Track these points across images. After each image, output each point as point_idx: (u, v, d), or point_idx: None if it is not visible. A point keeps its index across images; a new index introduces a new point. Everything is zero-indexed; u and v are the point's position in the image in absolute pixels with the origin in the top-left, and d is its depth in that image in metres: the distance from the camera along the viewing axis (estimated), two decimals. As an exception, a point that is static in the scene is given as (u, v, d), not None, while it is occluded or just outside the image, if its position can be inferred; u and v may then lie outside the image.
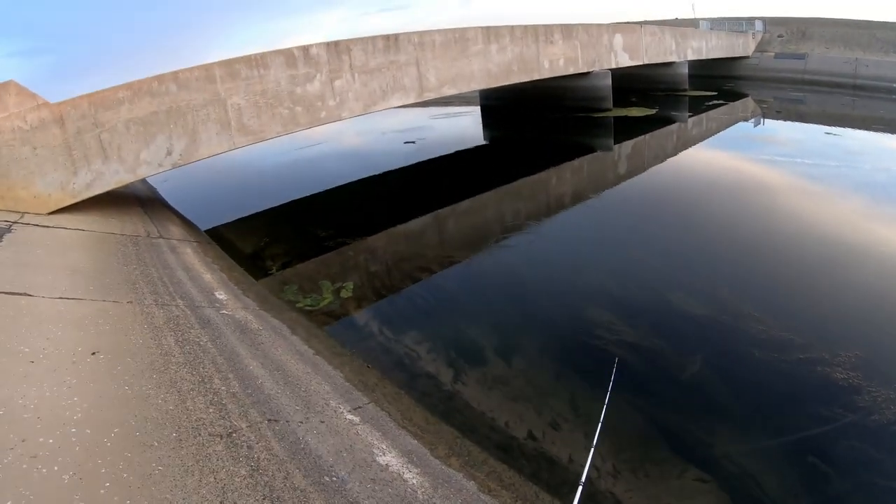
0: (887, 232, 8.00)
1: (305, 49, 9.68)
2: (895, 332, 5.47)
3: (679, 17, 37.22)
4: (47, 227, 6.95)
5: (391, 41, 11.14)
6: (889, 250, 7.31)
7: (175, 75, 8.21)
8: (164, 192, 12.24)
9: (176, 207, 10.68)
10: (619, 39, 18.72)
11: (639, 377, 4.99)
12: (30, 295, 4.66)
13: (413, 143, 17.59)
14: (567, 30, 16.38)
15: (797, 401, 4.53)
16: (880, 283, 6.44)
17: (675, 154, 14.24)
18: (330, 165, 15.25)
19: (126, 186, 8.56)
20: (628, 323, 5.84)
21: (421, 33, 11.83)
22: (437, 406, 4.57)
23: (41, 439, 2.80)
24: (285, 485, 2.76)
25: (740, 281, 6.70)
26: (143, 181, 9.92)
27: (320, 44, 9.91)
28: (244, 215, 10.70)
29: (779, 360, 5.00)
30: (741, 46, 27.68)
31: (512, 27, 14.48)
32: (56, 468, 2.61)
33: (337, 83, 10.28)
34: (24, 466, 2.58)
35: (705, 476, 3.83)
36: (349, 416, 3.66)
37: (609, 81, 18.40)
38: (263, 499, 2.62)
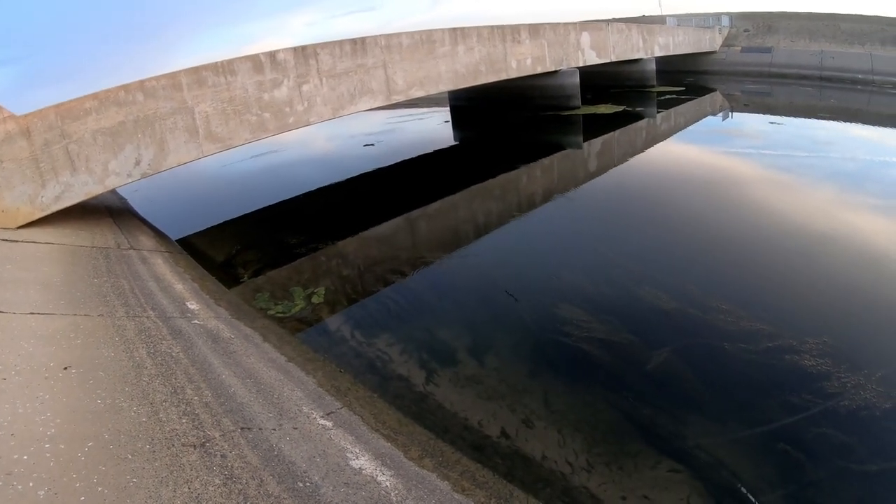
0: (854, 221, 8.24)
1: (272, 55, 9.65)
2: (862, 320, 5.66)
3: (646, 14, 37.83)
4: (16, 241, 6.85)
5: (358, 45, 11.14)
6: (855, 239, 7.55)
7: (142, 84, 8.13)
8: (134, 202, 12.09)
9: (146, 218, 10.56)
10: (586, 37, 18.92)
11: (610, 372, 5.10)
12: (1, 311, 4.62)
13: (372, 145, 17.57)
14: (534, 29, 16.52)
15: (768, 389, 4.66)
16: (847, 272, 6.66)
17: (644, 150, 14.45)
18: (298, 171, 15.16)
19: (96, 198, 8.45)
20: (599, 318, 5.95)
21: (388, 36, 11.86)
22: (410, 408, 4.61)
23: (15, 456, 2.80)
24: (259, 492, 2.79)
25: (709, 273, 6.87)
26: (114, 192, 9.80)
27: (287, 49, 9.89)
28: (214, 224, 10.62)
29: (748, 350, 5.14)
30: (708, 41, 28.16)
31: (479, 28, 14.57)
32: (31, 484, 2.62)
33: (305, 88, 10.26)
34: (0, 483, 2.59)
35: (679, 467, 3.92)
36: (322, 422, 3.70)
37: (577, 80, 18.58)
38: (238, 507, 2.66)
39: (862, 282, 6.39)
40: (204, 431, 3.27)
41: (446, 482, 3.26)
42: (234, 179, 15.22)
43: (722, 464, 3.94)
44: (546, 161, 14.16)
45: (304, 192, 12.63)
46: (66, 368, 3.82)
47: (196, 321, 5.28)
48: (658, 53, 23.69)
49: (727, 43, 29.49)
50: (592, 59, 19.33)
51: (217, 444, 3.16)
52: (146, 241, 8.34)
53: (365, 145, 17.73)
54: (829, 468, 3.84)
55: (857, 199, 9.25)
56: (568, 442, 4.23)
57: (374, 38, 11.54)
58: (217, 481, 2.83)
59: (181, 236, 9.67)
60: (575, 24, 18.73)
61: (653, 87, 23.42)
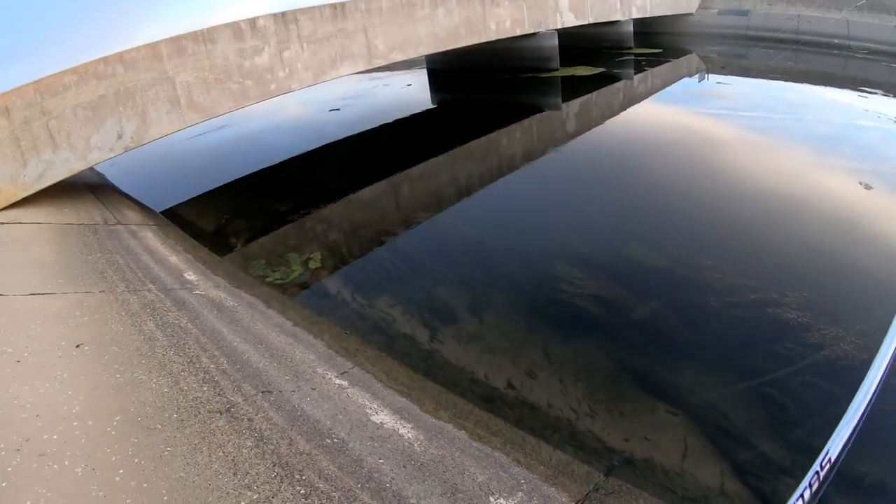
0: (827, 182, 8.47)
1: (252, 21, 9.45)
2: (837, 275, 5.90)
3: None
4: (3, 223, 6.75)
5: (338, 9, 10.95)
6: (829, 199, 7.79)
7: (121, 56, 7.93)
8: (112, 177, 11.87)
9: (128, 192, 10.41)
10: (564, -1, 18.79)
11: (603, 324, 5.29)
12: (1, 294, 4.61)
13: (338, 110, 17.37)
14: (513, -10, 16.34)
15: (753, 339, 4.88)
16: (821, 230, 6.91)
17: (622, 111, 14.51)
18: (275, 139, 14.91)
19: (75, 176, 8.30)
20: (589, 274, 6.12)
21: (368, 0, 11.66)
22: (419, 364, 4.75)
23: (45, 436, 2.85)
24: (291, 451, 2.90)
25: (692, 231, 7.05)
26: (91, 169, 9.60)
27: (267, 15, 9.68)
28: (197, 194, 10.51)
29: (734, 303, 5.34)
30: (685, 3, 27.96)
31: (458, -10, 14.37)
32: (67, 463, 2.67)
33: (286, 54, 10.10)
34: (35, 465, 2.64)
35: (675, 410, 4.15)
36: (337, 381, 3.81)
37: (556, 42, 18.46)
38: (274, 465, 2.76)
39: (835, 239, 6.66)
40: (227, 397, 3.36)
41: (463, 431, 3.40)
42: (208, 150, 14.94)
43: (713, 406, 4.16)
44: (525, 123, 14.19)
45: (283, 159, 12.50)
46: (78, 346, 3.85)
47: (197, 291, 5.31)
48: (636, 15, 23.53)
49: (704, 5, 29.30)
50: (571, 21, 19.19)
51: (242, 409, 3.25)
52: (132, 215, 8.26)
53: (330, 110, 17.58)
54: (811, 412, 4.06)
55: (831, 161, 9.46)
56: (570, 391, 4.41)
57: (355, 2, 11.33)
58: (249, 443, 2.92)
59: (165, 208, 9.57)
60: (553, -16, 18.51)
61: (630, 49, 23.33)
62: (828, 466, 1.34)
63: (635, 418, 4.11)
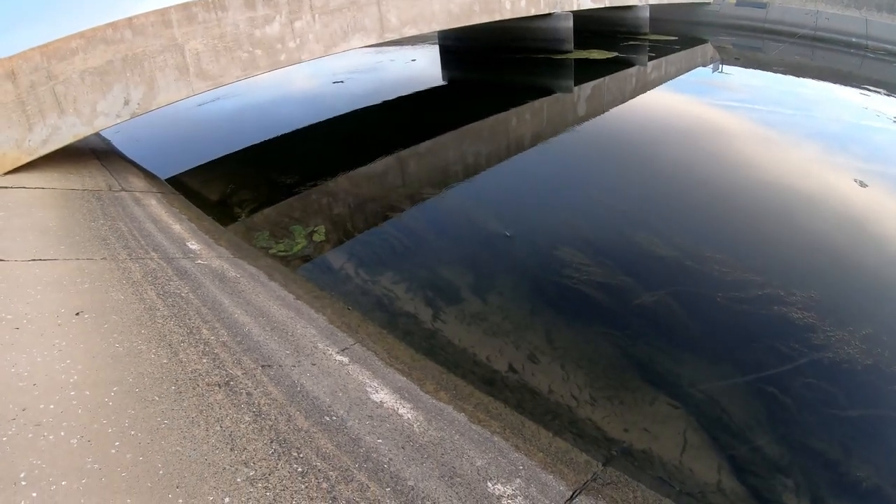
0: (836, 181, 8.37)
1: (264, -10, 9.31)
2: (846, 274, 5.85)
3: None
4: (7, 187, 6.69)
5: (352, -19, 10.78)
6: (837, 199, 7.70)
7: (130, 21, 7.80)
8: (118, 143, 11.79)
9: (133, 159, 10.33)
10: (581, -20, 18.50)
11: (607, 312, 5.24)
12: (2, 260, 4.57)
13: (342, 82, 17.23)
14: (529, -31, 16.08)
15: (757, 336, 4.84)
16: (827, 229, 6.86)
17: (634, 97, 14.36)
18: (282, 110, 14.78)
19: (81, 141, 8.22)
20: (595, 260, 6.08)
21: (382, -27, 11.47)
22: (421, 344, 4.72)
23: (42, 406, 2.82)
24: (289, 427, 2.87)
25: (700, 222, 6.99)
26: (97, 134, 9.52)
27: (279, -16, 9.54)
28: (202, 163, 10.43)
29: (740, 298, 5.29)
30: (703, -9, 27.61)
31: (473, -35, 14.14)
32: (63, 433, 2.65)
33: (297, 25, 9.95)
34: (30, 436, 2.61)
35: (675, 403, 4.13)
36: (338, 357, 3.78)
37: (570, 23, 18.20)
38: (271, 442, 2.74)
39: (842, 240, 6.60)
40: (226, 370, 3.33)
41: (463, 414, 3.37)
42: (214, 118, 14.80)
43: (714, 401, 4.14)
44: (536, 104, 14.04)
45: (290, 130, 12.41)
46: (78, 314, 3.82)
47: (200, 261, 5.27)
48: (652, 1, 23.21)
49: (722, -5, 28.90)
50: (587, 3, 18.91)
51: (241, 383, 3.22)
52: (137, 182, 8.20)
53: (334, 82, 17.46)
54: (812, 411, 4.05)
55: (840, 160, 9.37)
56: (571, 377, 4.39)
57: (368, -26, 11.15)
58: (247, 418, 2.89)
59: (170, 176, 9.50)
60: (571, -35, 18.23)
61: (646, 34, 23.02)
62: None
63: (635, 408, 4.09)
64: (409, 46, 23.32)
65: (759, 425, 3.94)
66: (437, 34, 20.27)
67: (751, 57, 20.99)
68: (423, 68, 19.62)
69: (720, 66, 18.39)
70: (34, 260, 4.65)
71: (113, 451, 2.57)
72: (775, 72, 17.51)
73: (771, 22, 25.24)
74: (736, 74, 17.09)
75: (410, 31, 12.62)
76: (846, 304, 5.30)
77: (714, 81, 16.21)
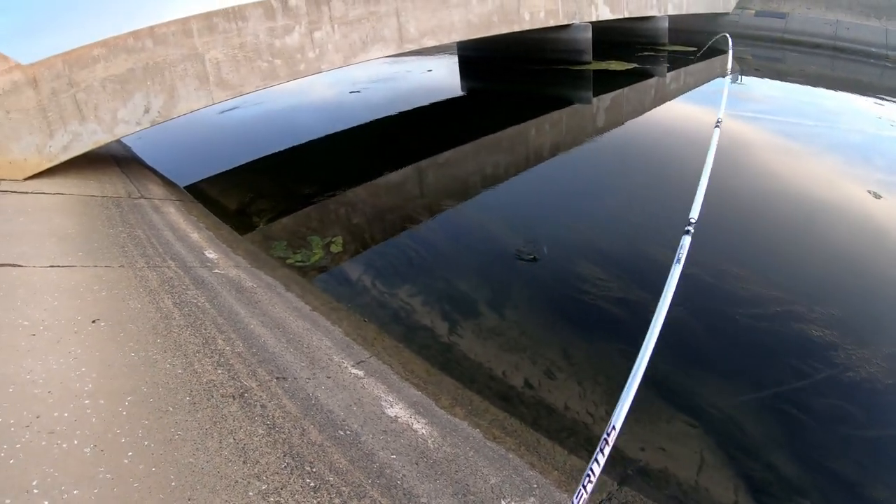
0: (860, 195, 8.21)
1: (284, 0, 9.39)
2: (868, 293, 5.72)
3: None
4: (26, 192, 6.77)
5: (371, -9, 10.86)
6: (861, 211, 7.56)
7: (151, 30, 7.91)
8: (138, 150, 11.93)
9: (153, 166, 10.45)
10: (600, -9, 18.46)
11: (625, 328, 5.16)
12: (20, 265, 4.58)
13: (358, 92, 17.30)
14: (548, -20, 16.09)
15: (776, 354, 4.75)
16: (852, 246, 6.71)
17: (654, 108, 14.29)
18: (300, 119, 14.87)
19: (101, 147, 8.33)
20: (613, 275, 6.00)
21: (401, -17, 11.54)
22: (436, 358, 4.67)
23: (56, 413, 2.81)
24: (302, 441, 2.84)
25: (718, 236, 6.86)
26: (118, 141, 9.65)
27: (300, -6, 9.63)
28: (222, 171, 10.50)
29: (759, 314, 5.20)
30: (722, 2, 27.36)
31: (493, -23, 14.18)
32: (76, 442, 2.63)
33: (316, 35, 10.02)
34: (44, 443, 2.60)
35: (692, 421, 4.05)
36: (353, 371, 3.75)
37: (589, 34, 18.16)
38: (284, 455, 2.71)
39: (866, 257, 6.46)
40: (241, 382, 3.31)
41: (478, 430, 3.32)
42: (233, 126, 14.93)
43: (732, 421, 4.05)
44: (555, 115, 14.02)
45: (308, 139, 12.47)
46: (94, 321, 3.82)
47: (217, 270, 5.29)
48: (672, 12, 23.09)
49: (741, 5, 28.60)
50: (606, 14, 18.86)
51: (255, 395, 3.20)
52: (156, 189, 8.27)
53: (350, 92, 17.50)
54: (832, 431, 3.97)
55: (863, 172, 9.20)
56: (588, 394, 4.32)
57: (388, -16, 11.23)
58: (261, 431, 2.87)
59: (189, 183, 9.58)
60: (589, -24, 18.21)
61: (664, 45, 22.90)
62: (613, 433, 1.70)
63: (652, 426, 4.01)
64: (425, 57, 23.39)
65: (778, 445, 3.85)
66: (454, 45, 20.32)
67: (770, 68, 20.82)
68: (440, 79, 19.68)
69: (739, 76, 18.25)
70: (52, 266, 4.68)
71: (126, 461, 2.56)
72: (795, 82, 17.34)
73: (790, 32, 25.01)
74: (756, 85, 16.95)
75: (430, 42, 12.66)
76: (867, 321, 5.19)
77: (734, 92, 16.08)
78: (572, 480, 3.13)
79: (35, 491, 2.32)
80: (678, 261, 2.55)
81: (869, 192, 8.04)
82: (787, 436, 3.93)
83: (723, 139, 11.01)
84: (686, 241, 2.64)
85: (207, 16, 8.47)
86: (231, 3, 8.85)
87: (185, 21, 8.23)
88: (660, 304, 2.29)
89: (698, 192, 3.05)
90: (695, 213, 2.86)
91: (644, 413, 4.12)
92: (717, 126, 4.45)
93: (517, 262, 6.44)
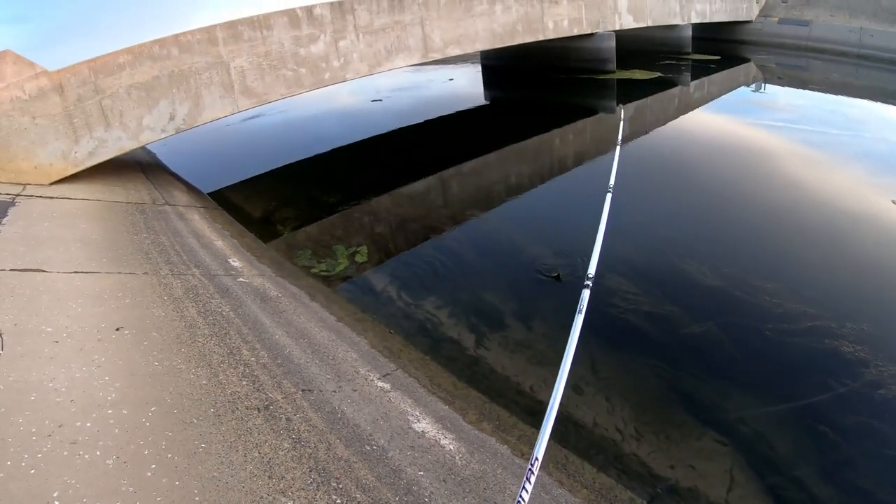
0: (889, 204, 8.00)
1: (309, 9, 9.44)
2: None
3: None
4: (51, 197, 6.83)
5: (396, 1, 10.86)
6: (889, 222, 7.36)
7: (177, 38, 7.99)
8: (163, 156, 12.05)
9: (178, 172, 10.53)
10: (623, 0, 18.35)
11: (653, 343, 5.04)
12: (44, 271, 4.59)
13: (380, 101, 17.40)
14: (572, -11, 16.05)
15: (808, 370, 4.61)
16: (881, 255, 6.54)
17: (677, 117, 14.15)
18: (325, 127, 14.94)
19: (126, 153, 8.40)
20: (642, 289, 5.86)
21: (426, -8, 11.57)
22: (463, 371, 4.59)
23: (78, 423, 2.77)
24: (329, 456, 2.77)
25: (749, 250, 6.73)
26: (143, 147, 9.75)
27: (324, 3, 9.66)
28: (246, 178, 10.56)
29: (790, 330, 5.05)
30: (745, 10, 27.10)
31: (517, -13, 14.18)
32: (98, 453, 2.59)
33: (341, 44, 10.06)
34: (66, 454, 2.55)
35: (722, 439, 3.93)
36: (380, 384, 3.68)
37: (613, 43, 18.08)
38: (310, 471, 2.64)
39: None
40: (266, 394, 3.25)
41: (506, 446, 3.23)
42: (257, 134, 15.05)
43: (762, 438, 3.94)
44: (579, 124, 13.95)
45: (332, 147, 12.49)
46: (118, 329, 3.79)
47: (241, 279, 5.26)
48: (695, 20, 22.91)
49: (764, 13, 28.30)
50: (629, 23, 18.75)
51: (281, 407, 3.14)
52: (180, 196, 8.32)
53: (372, 101, 17.61)
54: (862, 450, 3.84)
55: (892, 182, 8.96)
56: (616, 410, 4.21)
57: (413, -6, 11.26)
58: (286, 445, 2.81)
59: (213, 190, 9.63)
60: (613, -15, 18.13)
61: (688, 54, 22.73)
62: (536, 464, 1.72)
63: (682, 444, 3.91)
64: (447, 66, 23.44)
65: (808, 463, 3.73)
66: (477, 54, 20.35)
67: (794, 76, 20.55)
68: (463, 87, 19.70)
69: (763, 85, 18.03)
70: (76, 272, 4.68)
71: (149, 474, 2.50)
72: (819, 90, 17.08)
73: (814, 40, 24.65)
74: (780, 93, 16.72)
75: (454, 51, 12.67)
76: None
77: (758, 101, 15.88)
78: (601, 498, 3.04)
79: (56, 503, 2.27)
80: (580, 311, 2.64)
81: (894, 202, 7.82)
82: (817, 454, 3.81)
83: (749, 149, 10.92)
84: (586, 294, 2.80)
85: (233, 24, 8.53)
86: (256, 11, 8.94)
87: (210, 29, 8.30)
88: (566, 350, 2.22)
89: (594, 251, 3.19)
90: (592, 270, 2.97)
91: (674, 429, 4.01)
92: (608, 192, 4.54)
93: (541, 272, 6.35)
